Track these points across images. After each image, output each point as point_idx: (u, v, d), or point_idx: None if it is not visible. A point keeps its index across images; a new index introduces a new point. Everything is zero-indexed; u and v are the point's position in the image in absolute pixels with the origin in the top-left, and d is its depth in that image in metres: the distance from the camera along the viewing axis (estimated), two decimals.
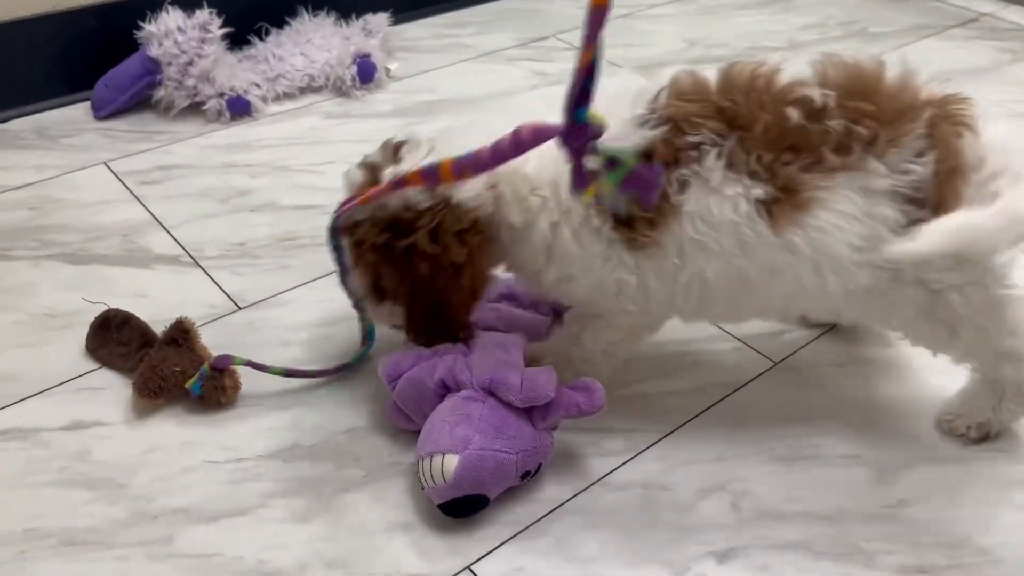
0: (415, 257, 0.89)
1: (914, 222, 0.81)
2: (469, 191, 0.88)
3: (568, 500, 0.93)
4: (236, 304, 1.20)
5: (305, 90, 1.73)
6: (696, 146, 0.83)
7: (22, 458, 0.99)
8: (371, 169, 0.94)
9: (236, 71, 1.66)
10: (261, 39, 1.77)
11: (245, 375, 1.05)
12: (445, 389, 0.94)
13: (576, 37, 1.93)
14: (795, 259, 0.84)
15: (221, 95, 1.61)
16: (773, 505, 0.93)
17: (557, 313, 1.11)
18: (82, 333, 1.12)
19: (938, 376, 1.04)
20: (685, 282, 0.88)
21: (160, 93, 1.61)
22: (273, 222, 1.37)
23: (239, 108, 1.63)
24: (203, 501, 0.94)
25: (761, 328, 1.14)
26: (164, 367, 1.02)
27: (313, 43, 1.75)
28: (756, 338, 1.13)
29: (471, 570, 0.87)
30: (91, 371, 1.09)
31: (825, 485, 0.95)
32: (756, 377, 1.08)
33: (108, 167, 1.50)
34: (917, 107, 0.83)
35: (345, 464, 0.98)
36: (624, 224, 0.86)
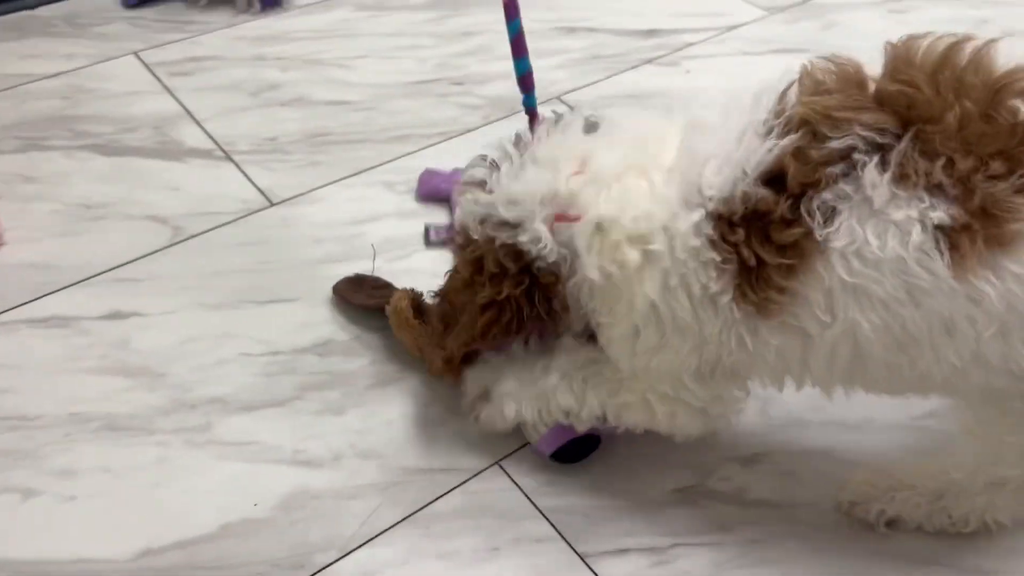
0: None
1: None
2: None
3: None
4: (268, 200, 1.20)
5: None
6: (845, 154, 0.62)
7: (64, 345, 1.01)
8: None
9: None
10: None
11: (275, 269, 1.06)
12: None
13: None
14: (979, 313, 0.61)
15: None
16: (799, 413, 0.94)
17: None
18: (119, 224, 1.15)
19: None
20: (831, 343, 0.66)
21: None
22: (304, 117, 1.36)
23: None
24: (239, 391, 0.96)
25: None
26: None
27: None
28: None
29: (500, 466, 0.89)
30: (129, 262, 1.10)
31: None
32: None
33: (138, 57, 1.48)
34: None
35: (379, 359, 0.99)
36: (750, 284, 0.66)
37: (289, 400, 0.96)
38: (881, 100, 0.62)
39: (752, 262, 0.65)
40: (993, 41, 0.62)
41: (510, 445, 0.91)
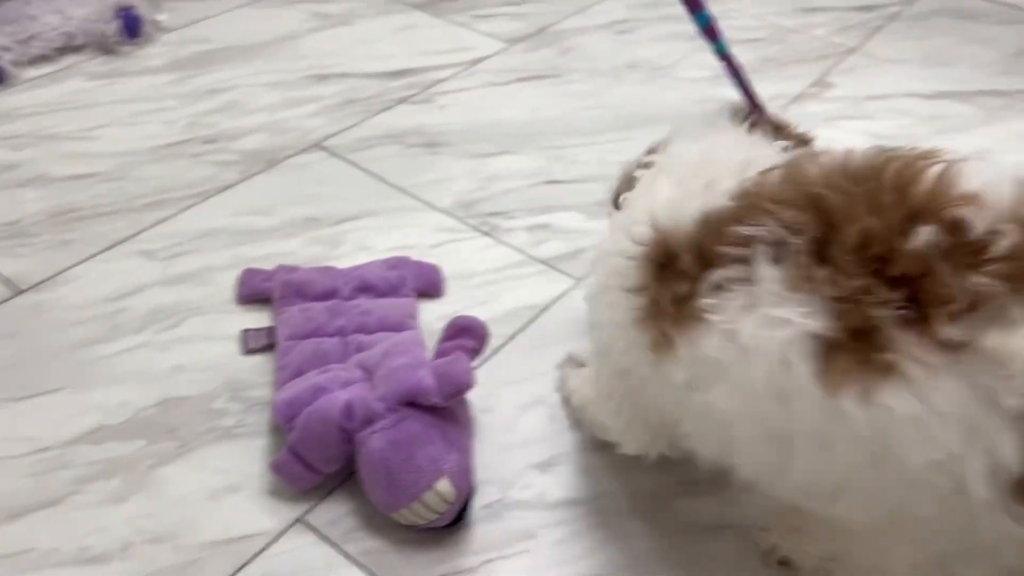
0: None
1: None
2: None
3: None
4: (16, 287, 1.11)
5: (64, 50, 1.59)
6: (746, 242, 0.60)
7: None
8: None
9: None
10: None
11: (31, 361, 0.98)
12: (350, 416, 0.86)
13: None
14: (849, 434, 0.57)
15: None
16: None
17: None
18: None
19: None
20: (696, 407, 0.67)
21: None
22: (47, 196, 1.27)
23: None
24: (5, 498, 0.88)
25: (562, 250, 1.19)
26: None
27: None
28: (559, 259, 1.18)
29: (304, 521, 0.87)
30: None
31: None
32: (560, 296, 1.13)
33: None
34: None
35: (158, 438, 0.94)
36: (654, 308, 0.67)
37: (64, 497, 0.89)
38: (808, 200, 0.59)
39: (653, 298, 0.68)
40: (956, 162, 0.57)
41: (311, 499, 0.89)
